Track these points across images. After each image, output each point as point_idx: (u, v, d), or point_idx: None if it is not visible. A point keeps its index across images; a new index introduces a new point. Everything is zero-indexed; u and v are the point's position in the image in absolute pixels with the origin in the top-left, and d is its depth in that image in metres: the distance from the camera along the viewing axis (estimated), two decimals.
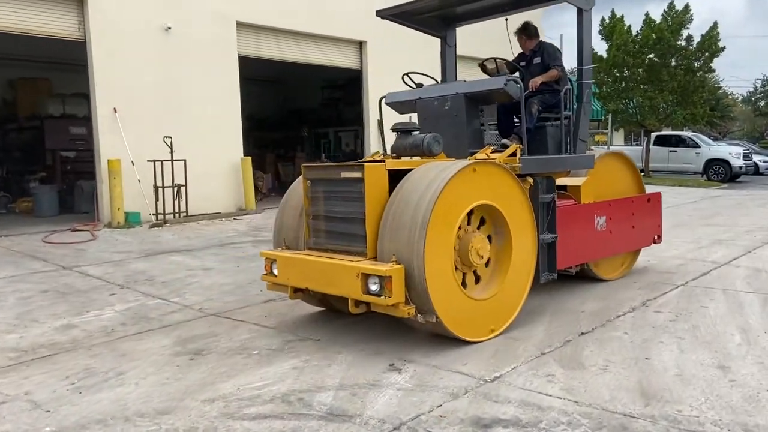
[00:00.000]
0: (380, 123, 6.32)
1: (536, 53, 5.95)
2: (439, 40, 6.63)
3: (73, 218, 10.93)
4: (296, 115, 23.95)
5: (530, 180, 4.93)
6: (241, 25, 12.41)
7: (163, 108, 10.94)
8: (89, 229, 9.65)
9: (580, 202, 5.82)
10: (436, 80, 6.18)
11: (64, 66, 14.09)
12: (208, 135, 11.62)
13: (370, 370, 3.77)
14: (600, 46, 21.65)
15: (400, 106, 6.03)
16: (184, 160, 10.75)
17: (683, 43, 20.31)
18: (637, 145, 27.33)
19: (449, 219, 4.14)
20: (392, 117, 5.82)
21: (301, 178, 4.85)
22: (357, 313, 4.21)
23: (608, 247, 6.01)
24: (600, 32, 21.09)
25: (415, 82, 6.02)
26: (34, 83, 14.89)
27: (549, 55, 5.87)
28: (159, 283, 6.42)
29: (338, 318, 4.86)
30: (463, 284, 4.35)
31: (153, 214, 10.47)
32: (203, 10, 11.70)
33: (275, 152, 22.42)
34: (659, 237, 6.72)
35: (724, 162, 21.67)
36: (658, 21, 20.22)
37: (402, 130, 4.93)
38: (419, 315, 4.00)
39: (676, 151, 22.65)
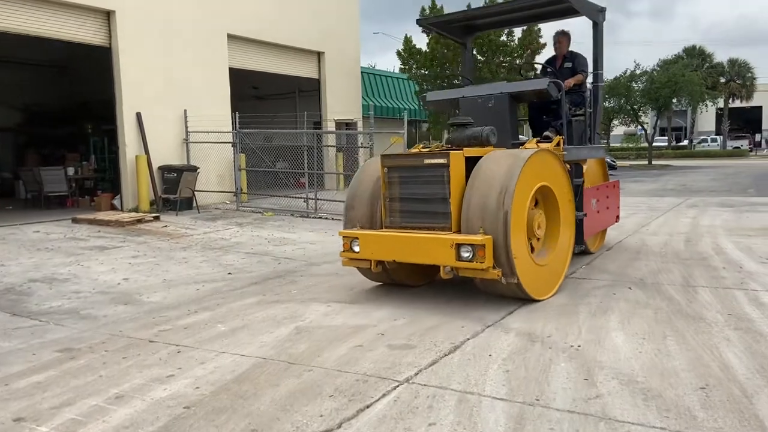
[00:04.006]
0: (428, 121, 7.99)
1: (567, 59, 6.92)
2: (461, 45, 7.86)
3: None
4: (86, 108, 19.94)
5: (567, 166, 5.73)
6: None
7: None
8: None
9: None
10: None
11: None
12: None
13: None
14: (420, 39, 20.09)
15: (441, 104, 7.02)
16: None
17: (505, 39, 19.15)
18: None
19: (524, 196, 4.94)
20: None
21: (366, 165, 5.93)
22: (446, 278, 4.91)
23: (598, 223, 7.07)
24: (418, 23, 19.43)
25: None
26: None
27: (580, 62, 6.86)
28: None
29: None
30: None
31: None
32: None
33: (41, 153, 18.29)
34: (618, 217, 7.91)
35: None
36: None
37: (459, 124, 5.69)
38: (503, 278, 4.72)
39: None
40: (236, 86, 14.97)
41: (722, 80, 51.09)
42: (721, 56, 66.40)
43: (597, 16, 6.70)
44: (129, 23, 11.92)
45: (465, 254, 4.62)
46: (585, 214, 6.24)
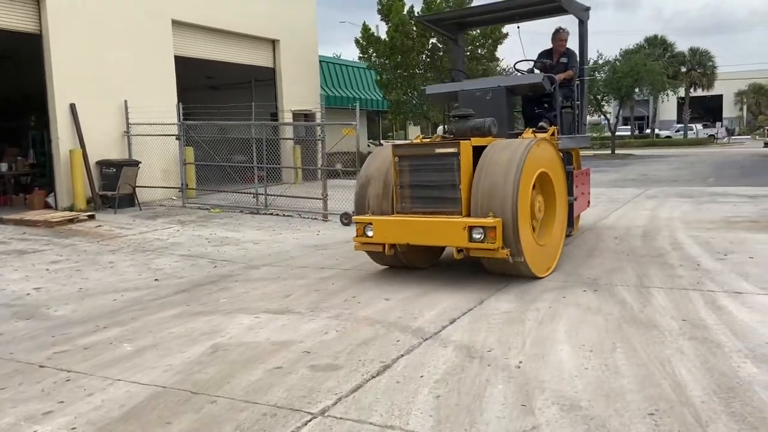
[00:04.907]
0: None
1: (564, 55, 7.27)
2: (450, 40, 8.43)
3: None
4: (28, 100, 18.89)
5: (560, 154, 6.18)
6: None
7: None
8: None
9: None
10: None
11: None
12: None
13: None
14: (380, 28, 19.52)
15: (440, 97, 7.54)
16: None
17: None
18: None
19: (528, 182, 5.27)
20: None
21: (375, 154, 6.17)
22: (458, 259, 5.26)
23: (579, 208, 7.38)
24: (378, 11, 18.84)
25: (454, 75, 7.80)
26: None
27: (574, 59, 7.22)
28: None
29: None
30: None
31: None
32: None
33: None
34: (589, 203, 8.12)
35: None
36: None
37: (461, 116, 6.04)
38: (511, 257, 5.06)
39: None
40: (187, 75, 14.22)
41: (683, 69, 51.56)
42: (682, 45, 67.15)
43: (583, 15, 7.17)
44: (61, 8, 11.11)
45: (476, 236, 4.98)
46: (576, 199, 6.74)
